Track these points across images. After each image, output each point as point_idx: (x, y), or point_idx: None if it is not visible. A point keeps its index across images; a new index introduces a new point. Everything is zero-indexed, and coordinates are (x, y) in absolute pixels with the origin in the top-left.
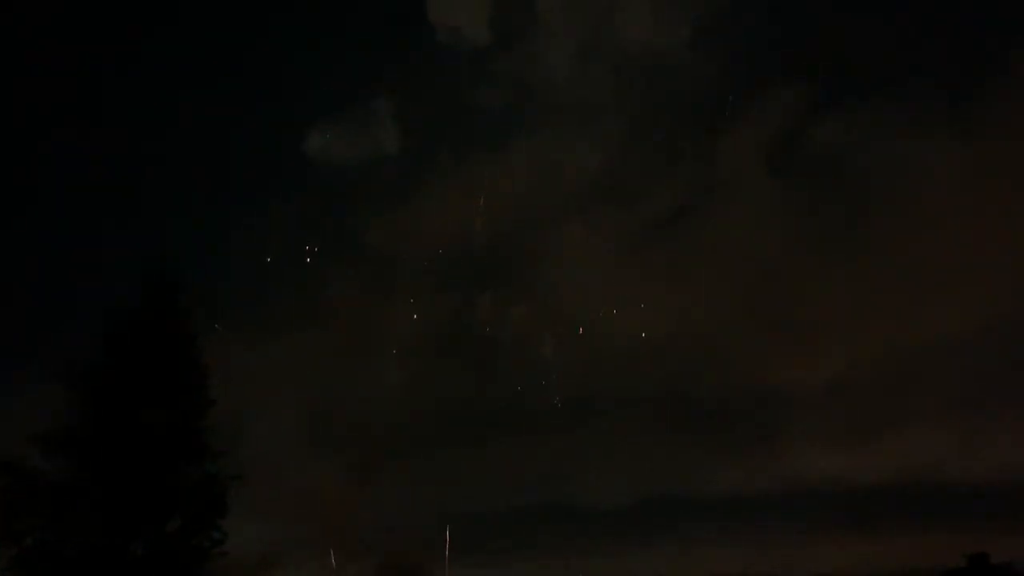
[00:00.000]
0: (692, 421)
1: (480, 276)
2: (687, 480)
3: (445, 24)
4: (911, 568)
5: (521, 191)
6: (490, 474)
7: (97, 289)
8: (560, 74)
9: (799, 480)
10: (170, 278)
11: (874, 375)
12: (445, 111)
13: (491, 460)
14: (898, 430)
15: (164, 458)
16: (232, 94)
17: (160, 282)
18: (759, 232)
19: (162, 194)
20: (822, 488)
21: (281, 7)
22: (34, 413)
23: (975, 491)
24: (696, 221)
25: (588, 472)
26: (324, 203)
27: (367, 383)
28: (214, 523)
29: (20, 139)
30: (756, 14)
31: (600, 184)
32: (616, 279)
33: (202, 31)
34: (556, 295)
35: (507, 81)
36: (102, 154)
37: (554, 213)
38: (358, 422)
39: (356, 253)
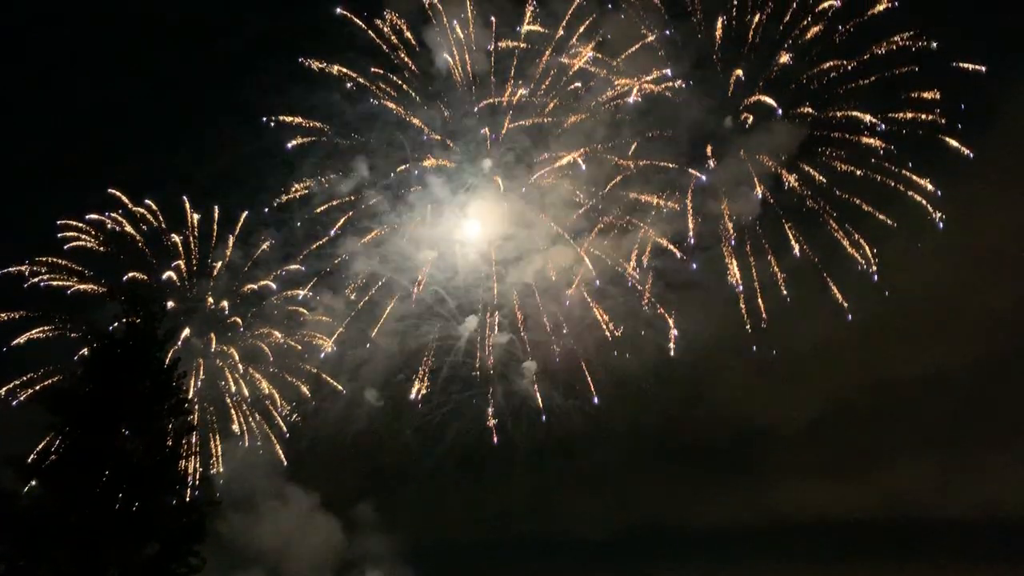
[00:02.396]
0: (676, 455)
1: (464, 304)
2: (670, 513)
3: (441, 52)
4: None
5: (510, 218)
6: (471, 505)
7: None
8: (554, 106)
9: (783, 514)
10: (151, 306)
11: (857, 411)
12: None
13: (473, 491)
14: (881, 465)
15: (142, 483)
16: (224, 117)
17: (141, 310)
18: (745, 268)
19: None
20: (806, 522)
21: (273, 35)
22: (8, 435)
23: (958, 526)
24: (683, 255)
25: (571, 504)
26: (310, 229)
27: (345, 413)
28: (192, 549)
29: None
30: (751, 55)
31: (589, 215)
32: (601, 310)
33: (192, 66)
34: (540, 325)
35: (501, 111)
36: (82, 176)
37: (542, 242)
38: (336, 453)
39: (340, 280)
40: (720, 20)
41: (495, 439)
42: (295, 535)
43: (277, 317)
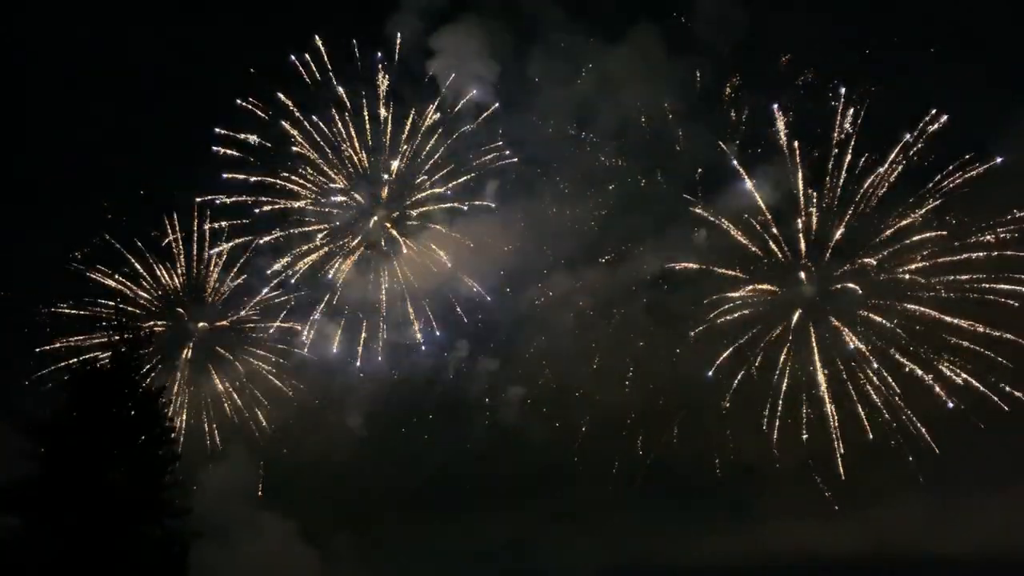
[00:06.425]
0: (667, 491)
1: (458, 332)
2: (659, 550)
3: (452, 85)
4: None
5: (510, 248)
6: (455, 541)
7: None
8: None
9: (775, 552)
10: (136, 334)
11: (852, 448)
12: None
13: (456, 526)
14: (875, 503)
15: (124, 515)
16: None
17: (126, 337)
18: (743, 302)
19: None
20: (798, 560)
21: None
22: None
23: (953, 563)
24: (679, 289)
25: (557, 540)
26: (303, 254)
27: (331, 441)
28: None
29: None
30: (753, 92)
31: (588, 245)
32: (594, 341)
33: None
34: (530, 354)
35: (508, 142)
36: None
37: (540, 273)
38: (318, 482)
39: (335, 304)
40: None
41: (479, 473)
42: (271, 566)
43: (264, 341)
